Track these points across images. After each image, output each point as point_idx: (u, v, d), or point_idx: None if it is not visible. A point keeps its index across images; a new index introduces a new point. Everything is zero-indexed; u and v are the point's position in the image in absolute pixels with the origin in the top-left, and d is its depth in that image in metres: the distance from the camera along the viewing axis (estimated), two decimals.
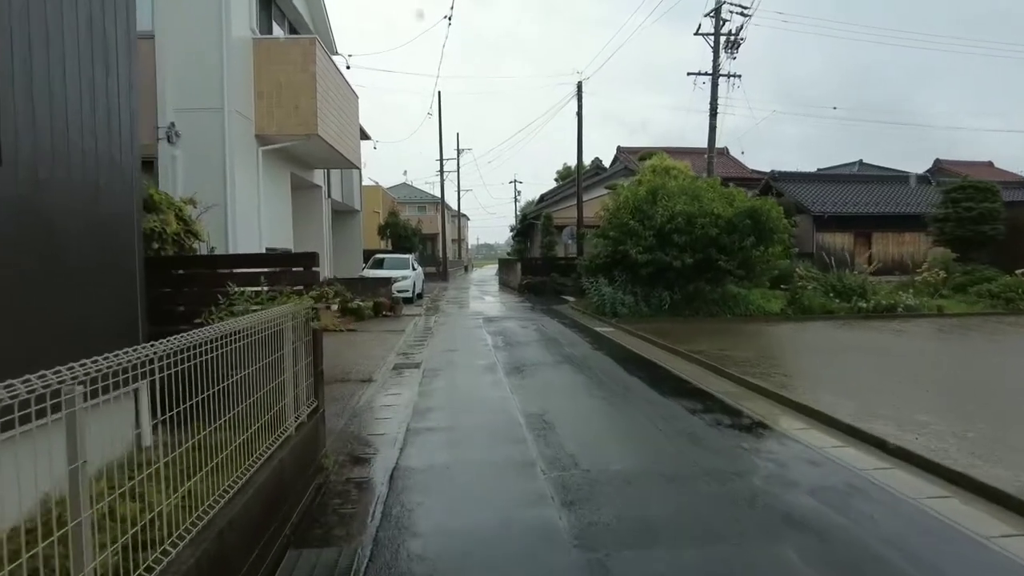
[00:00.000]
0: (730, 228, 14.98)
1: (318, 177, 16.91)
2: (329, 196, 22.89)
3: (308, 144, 12.59)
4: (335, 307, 16.46)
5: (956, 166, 40.99)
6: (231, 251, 10.92)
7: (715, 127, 23.37)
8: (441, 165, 44.10)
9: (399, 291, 21.75)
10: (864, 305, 16.07)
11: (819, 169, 41.49)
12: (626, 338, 12.82)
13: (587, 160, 49.04)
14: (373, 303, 17.51)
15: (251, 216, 11.64)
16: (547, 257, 28.01)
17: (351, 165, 15.78)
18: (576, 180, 21.67)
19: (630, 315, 15.32)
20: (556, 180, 46.89)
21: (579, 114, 20.63)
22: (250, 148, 11.70)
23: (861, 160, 46.02)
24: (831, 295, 16.80)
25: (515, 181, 71.86)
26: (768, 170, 31.99)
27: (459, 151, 52.50)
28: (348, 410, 7.12)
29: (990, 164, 45.79)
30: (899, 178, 36.50)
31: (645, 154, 21.08)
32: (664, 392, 7.71)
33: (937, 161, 44.08)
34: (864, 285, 16.94)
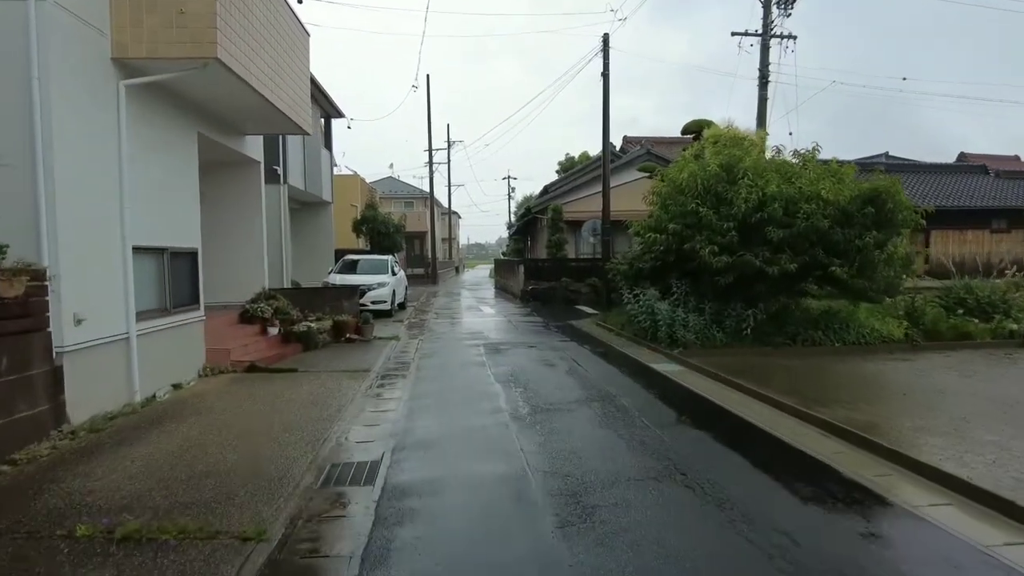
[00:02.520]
0: (843, 219, 10.38)
1: (253, 148, 12.12)
2: (285, 181, 18.13)
3: (207, 79, 7.81)
4: (275, 331, 11.70)
5: (982, 159, 37.18)
6: (46, 251, 6.16)
7: (766, 99, 18.87)
8: (430, 153, 39.33)
9: (374, 302, 17.02)
10: (1015, 327, 11.52)
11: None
12: (722, 392, 8.08)
13: (593, 150, 44.48)
14: (332, 323, 12.76)
15: (103, 194, 6.87)
16: (556, 258, 23.34)
17: (295, 128, 11.01)
18: (602, 158, 16.92)
19: (696, 342, 10.66)
20: (558, 172, 42.24)
21: (605, 74, 16.00)
22: (99, 77, 6.92)
23: (887, 152, 41.98)
24: (960, 312, 12.25)
25: (509, 177, 67.18)
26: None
27: (449, 143, 47.85)
28: None
29: (1017, 158, 42.24)
30: (948, 168, 32.23)
31: (693, 124, 16.43)
32: None
33: (961, 155, 40.35)
34: (1007, 299, 12.39)
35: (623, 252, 14.54)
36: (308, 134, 11.79)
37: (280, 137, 17.76)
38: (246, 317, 11.36)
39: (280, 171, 17.76)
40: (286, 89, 10.07)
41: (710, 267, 10.43)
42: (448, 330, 14.97)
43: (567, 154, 44.98)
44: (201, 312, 9.38)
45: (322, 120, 23.75)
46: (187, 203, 9.06)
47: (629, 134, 28.62)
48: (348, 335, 12.72)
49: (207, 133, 9.75)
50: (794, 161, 11.59)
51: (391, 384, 8.61)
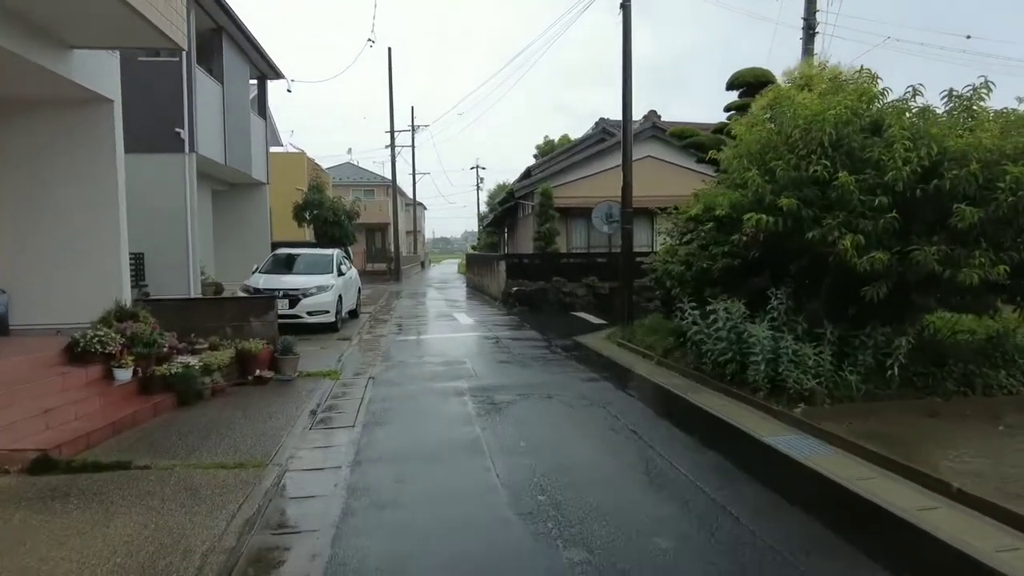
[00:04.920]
0: None
1: (98, 78, 7.49)
2: (193, 149, 13.48)
3: None
4: (126, 375, 7.14)
5: None
6: None
7: (812, 52, 14.93)
8: (392, 135, 34.63)
9: (311, 312, 12.59)
10: None
11: None
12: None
13: (575, 133, 39.94)
14: (235, 353, 8.30)
15: None
16: (547, 254, 19.09)
17: (149, 32, 6.45)
18: (622, 126, 12.51)
19: (824, 392, 6.53)
20: (536, 157, 38.04)
21: (625, 5, 11.79)
22: None
23: None
24: None
25: (478, 167, 62.70)
26: None
27: (413, 127, 43.12)
28: None
29: None
30: None
31: (748, 74, 12.26)
32: None
33: None
34: None
35: (665, 246, 10.32)
36: (181, 48, 7.18)
37: (185, 88, 13.10)
38: (77, 353, 6.82)
39: (185, 136, 13.10)
40: None
41: (850, 268, 6.30)
42: (413, 356, 10.57)
43: (546, 137, 40.82)
44: None
45: (255, 81, 19.05)
46: None
47: (604, 122, 24.34)
48: (259, 372, 8.25)
49: None
50: (940, 109, 7.51)
51: (296, 521, 4.22)
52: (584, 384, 7.98)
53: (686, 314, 7.88)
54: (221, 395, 7.48)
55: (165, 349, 7.36)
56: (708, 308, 7.49)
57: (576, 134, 32.59)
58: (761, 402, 6.76)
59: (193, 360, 7.37)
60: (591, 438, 5.65)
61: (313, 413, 6.70)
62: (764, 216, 6.57)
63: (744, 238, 7.44)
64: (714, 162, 10.40)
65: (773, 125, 7.61)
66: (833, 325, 6.99)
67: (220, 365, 7.82)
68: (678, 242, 10.02)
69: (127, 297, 7.86)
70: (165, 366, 7.11)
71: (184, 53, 13.05)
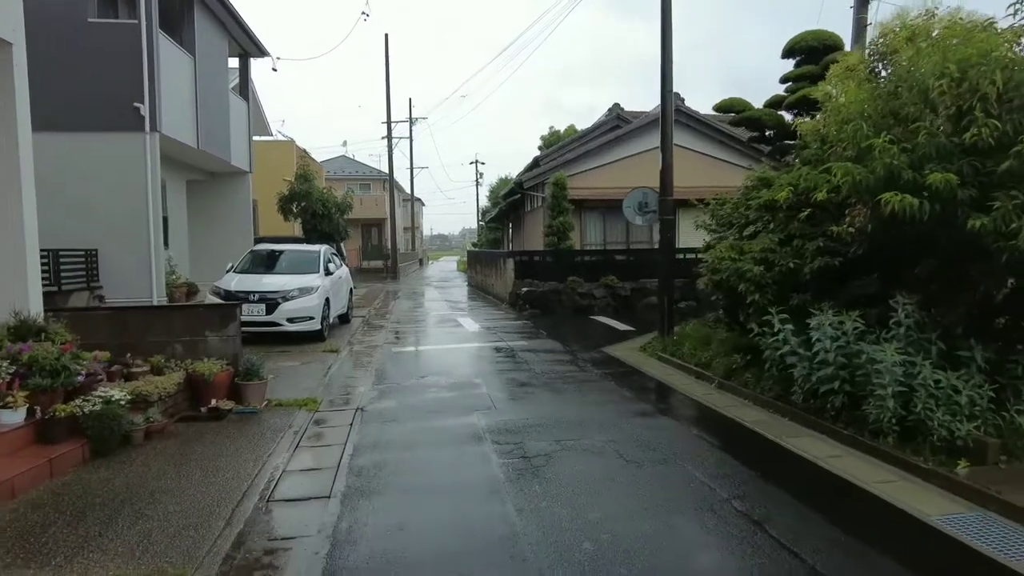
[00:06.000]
0: None
1: None
2: (156, 128, 11.58)
3: None
4: (18, 417, 5.21)
5: None
6: None
7: (865, 22, 13.06)
8: (388, 125, 32.70)
9: (292, 319, 10.74)
10: None
11: None
12: None
13: (582, 123, 37.96)
14: (185, 377, 6.44)
15: None
16: (561, 251, 17.19)
17: None
18: (661, 71, 10.08)
19: (992, 440, 4.69)
20: (541, 148, 36.13)
21: None
22: None
23: None
24: None
25: (477, 161, 60.61)
26: None
27: (411, 119, 41.19)
28: None
29: None
30: None
31: (811, 37, 10.27)
32: None
33: None
34: None
35: (726, 241, 8.40)
36: None
37: (145, 55, 11.20)
38: None
39: (145, 112, 11.21)
40: None
41: None
42: (413, 375, 8.69)
43: (551, 127, 38.94)
44: None
45: (236, 59, 17.13)
46: None
47: (618, 109, 22.45)
48: (214, 402, 6.38)
49: None
50: None
51: None
52: (638, 421, 6.10)
53: (776, 328, 6.00)
54: (159, 438, 5.62)
55: (81, 378, 5.48)
56: (813, 322, 5.60)
57: (585, 122, 30.76)
58: (893, 453, 4.91)
59: (119, 392, 5.49)
60: (686, 529, 3.76)
61: (276, 471, 4.83)
62: (909, 198, 4.68)
63: (851, 229, 5.61)
64: (770, 140, 8.57)
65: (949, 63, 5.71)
66: (982, 345, 5.15)
67: (162, 395, 5.96)
68: (738, 236, 8.17)
69: (34, 307, 5.97)
70: (78, 401, 5.23)
71: (143, 13, 11.24)
